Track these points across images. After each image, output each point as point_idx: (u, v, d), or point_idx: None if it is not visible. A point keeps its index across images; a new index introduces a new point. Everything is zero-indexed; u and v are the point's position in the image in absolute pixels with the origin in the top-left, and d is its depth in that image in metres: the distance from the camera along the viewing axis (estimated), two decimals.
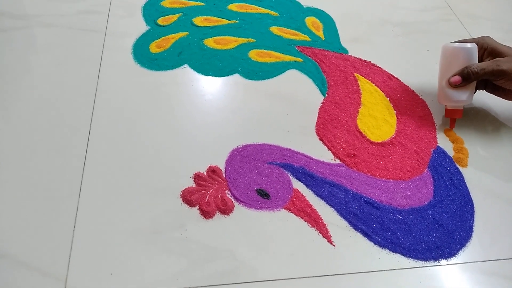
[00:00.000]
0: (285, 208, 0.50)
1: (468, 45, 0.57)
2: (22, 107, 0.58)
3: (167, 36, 0.70)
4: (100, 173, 0.51)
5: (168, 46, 0.68)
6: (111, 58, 0.65)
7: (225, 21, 0.74)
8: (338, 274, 0.45)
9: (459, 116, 0.59)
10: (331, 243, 0.47)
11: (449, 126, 0.60)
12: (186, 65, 0.66)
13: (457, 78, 0.56)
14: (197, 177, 0.51)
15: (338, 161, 0.55)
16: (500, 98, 0.60)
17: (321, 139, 0.57)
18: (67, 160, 0.52)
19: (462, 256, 0.48)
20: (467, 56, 0.57)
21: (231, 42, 0.70)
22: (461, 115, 0.59)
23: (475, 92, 0.62)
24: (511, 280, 0.46)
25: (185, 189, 0.50)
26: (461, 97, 0.57)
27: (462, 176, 0.55)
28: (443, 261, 0.47)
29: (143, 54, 0.67)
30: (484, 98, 0.65)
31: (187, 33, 0.71)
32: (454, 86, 0.57)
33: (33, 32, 0.69)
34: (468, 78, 0.56)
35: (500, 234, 0.50)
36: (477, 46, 0.58)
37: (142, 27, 0.72)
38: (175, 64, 0.66)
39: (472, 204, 0.52)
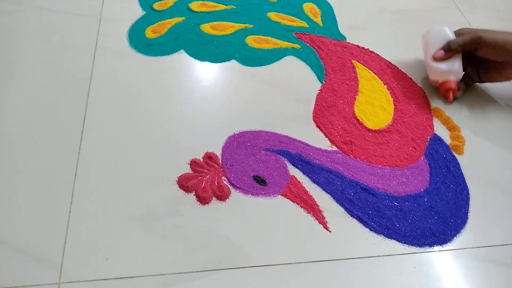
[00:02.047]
0: (282, 195, 0.50)
1: (445, 27, 0.61)
2: (15, 93, 0.57)
3: (163, 21, 0.69)
4: (95, 159, 0.51)
5: (164, 31, 0.67)
6: (106, 44, 0.65)
7: (222, 7, 0.73)
8: (334, 260, 0.45)
9: (454, 87, 0.60)
10: (327, 229, 0.48)
11: (447, 100, 0.61)
12: (182, 50, 0.65)
13: (441, 52, 0.59)
14: (194, 163, 0.51)
15: (335, 148, 0.55)
16: (498, 82, 0.61)
17: (318, 126, 0.57)
18: (62, 147, 0.52)
19: (456, 242, 0.48)
20: (445, 35, 0.60)
21: (228, 27, 0.69)
22: (456, 87, 0.60)
23: (470, 85, 0.63)
24: (504, 266, 0.47)
25: (182, 175, 0.50)
26: (451, 67, 0.59)
27: (458, 164, 0.55)
28: (437, 247, 0.48)
29: (138, 39, 0.66)
30: (482, 86, 0.65)
31: (183, 18, 0.70)
32: (439, 60, 0.59)
33: (26, 16, 0.68)
34: (450, 50, 0.59)
35: (494, 221, 0.51)
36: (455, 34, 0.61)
37: (138, 12, 0.71)
38: (171, 50, 0.65)
39: (468, 191, 0.52)
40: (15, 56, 0.62)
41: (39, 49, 0.63)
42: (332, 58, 0.67)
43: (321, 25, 0.73)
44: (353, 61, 0.67)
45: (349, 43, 0.70)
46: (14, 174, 0.49)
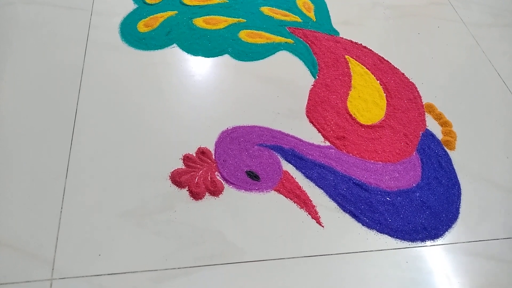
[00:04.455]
0: (275, 190, 0.50)
1: None
2: (6, 87, 0.56)
3: (155, 15, 0.68)
4: (87, 154, 0.50)
5: (157, 25, 0.67)
6: (97, 37, 0.64)
7: (215, 0, 0.72)
8: (327, 255, 0.46)
9: None
10: (320, 224, 0.48)
11: None
12: (174, 45, 0.64)
13: None
14: (187, 158, 0.51)
15: (328, 143, 0.55)
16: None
17: (311, 122, 0.57)
18: (54, 141, 0.51)
19: (448, 237, 0.49)
20: None
21: (221, 22, 0.69)
22: None
23: None
24: (494, 260, 0.47)
25: (174, 170, 0.50)
26: None
27: (450, 159, 0.56)
28: (429, 242, 0.48)
29: (130, 33, 0.65)
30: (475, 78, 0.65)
31: (175, 12, 0.69)
32: None
33: (16, 10, 0.67)
34: None
35: (485, 216, 0.51)
36: None
37: (130, 5, 0.70)
38: (163, 44, 0.64)
39: (459, 187, 0.53)
40: (6, 50, 0.61)
41: (29, 42, 0.62)
42: (325, 53, 0.66)
43: (314, 19, 0.72)
44: (346, 56, 0.67)
45: (342, 38, 0.70)
46: (5, 170, 0.48)
